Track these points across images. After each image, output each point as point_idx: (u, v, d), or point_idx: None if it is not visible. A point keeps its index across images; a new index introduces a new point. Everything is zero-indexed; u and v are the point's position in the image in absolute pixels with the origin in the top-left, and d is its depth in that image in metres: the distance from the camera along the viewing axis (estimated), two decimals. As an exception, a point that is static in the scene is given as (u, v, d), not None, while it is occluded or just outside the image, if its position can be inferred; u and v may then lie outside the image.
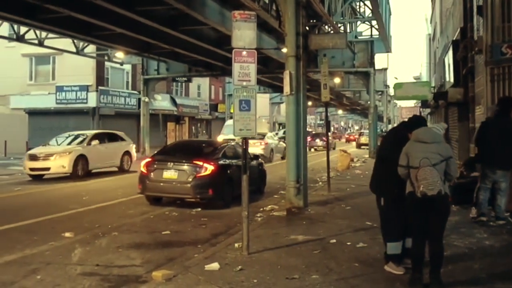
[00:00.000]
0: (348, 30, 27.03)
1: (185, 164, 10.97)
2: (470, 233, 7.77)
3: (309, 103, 57.24)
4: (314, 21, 21.01)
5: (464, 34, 14.56)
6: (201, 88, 48.53)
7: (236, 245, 7.12)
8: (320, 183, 16.15)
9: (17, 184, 16.10)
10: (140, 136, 32.43)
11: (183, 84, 43.34)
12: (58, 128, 33.08)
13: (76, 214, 10.45)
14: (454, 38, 15.99)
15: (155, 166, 11.13)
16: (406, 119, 6.38)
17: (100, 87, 34.05)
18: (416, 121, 5.61)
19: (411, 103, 59.29)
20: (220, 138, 24.83)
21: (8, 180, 17.63)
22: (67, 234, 8.25)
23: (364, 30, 29.35)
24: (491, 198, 8.68)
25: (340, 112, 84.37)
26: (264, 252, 6.88)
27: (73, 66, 32.36)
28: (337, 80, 34.83)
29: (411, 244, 5.32)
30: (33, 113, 34.27)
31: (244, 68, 6.77)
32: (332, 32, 17.76)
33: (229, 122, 30.87)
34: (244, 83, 6.78)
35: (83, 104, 33.76)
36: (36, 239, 8.03)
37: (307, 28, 16.75)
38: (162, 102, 39.26)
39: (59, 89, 34.25)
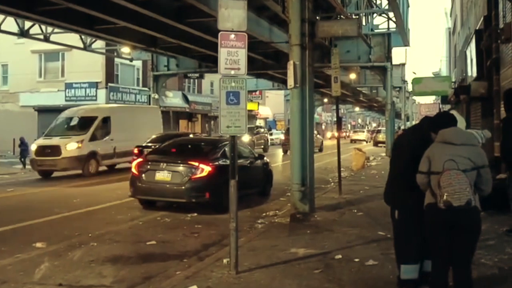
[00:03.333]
0: (364, 23, 25.78)
1: (179, 164, 10.01)
2: (501, 247, 6.64)
3: (325, 100, 56.25)
4: (326, 13, 19.90)
5: (488, 23, 13.34)
6: (214, 85, 47.53)
7: (225, 261, 6.11)
8: (332, 184, 15.05)
9: (14, 184, 15.34)
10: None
11: (196, 81, 42.55)
12: (67, 126, 32.63)
13: (60, 220, 9.56)
14: (477, 28, 14.73)
15: (147, 166, 10.18)
16: (428, 115, 5.26)
17: (109, 84, 33.36)
18: (444, 118, 4.44)
19: (430, 99, 57.72)
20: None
21: (8, 180, 16.91)
22: (39, 245, 7.34)
23: (381, 23, 28.07)
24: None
25: (357, 109, 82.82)
26: (256, 270, 5.86)
27: (82, 62, 31.72)
28: (352, 75, 33.59)
29: (431, 269, 4.26)
30: (42, 110, 33.69)
31: (232, 54, 5.75)
32: (334, 16, 16.48)
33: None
34: (232, 72, 5.77)
35: (92, 101, 33.00)
36: (3, 250, 7.13)
37: (317, 17, 15.70)
38: (173, 99, 38.48)
39: (68, 86, 33.66)
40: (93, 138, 18.41)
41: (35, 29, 23.26)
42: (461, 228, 3.92)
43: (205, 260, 6.52)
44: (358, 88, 46.31)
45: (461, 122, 4.73)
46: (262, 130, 41.20)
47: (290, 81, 9.16)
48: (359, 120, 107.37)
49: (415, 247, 4.44)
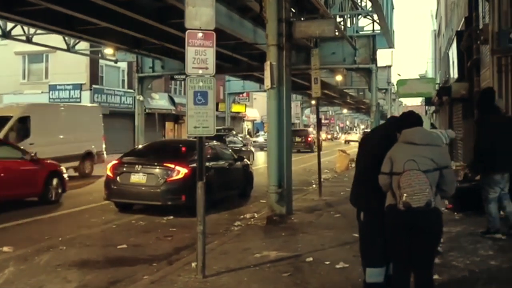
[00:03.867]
0: (349, 25, 25.75)
1: (155, 167, 9.84)
2: (474, 249, 6.57)
3: (313, 101, 56.24)
4: (311, 15, 19.80)
5: (469, 24, 13.35)
6: (201, 87, 47.44)
7: (193, 264, 5.95)
8: (314, 185, 14.94)
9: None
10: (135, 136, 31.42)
11: (182, 82, 42.14)
12: (51, 128, 32.24)
13: (32, 223, 9.34)
14: (459, 29, 14.73)
15: (122, 169, 10.00)
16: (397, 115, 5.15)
17: (94, 86, 33.06)
18: (409, 118, 4.30)
19: (417, 101, 57.99)
20: None
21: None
22: (5, 249, 7.13)
23: (366, 24, 28.03)
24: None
25: (345, 111, 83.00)
26: (224, 274, 5.73)
27: (66, 64, 31.38)
28: (339, 77, 33.57)
29: (392, 271, 4.15)
30: (25, 112, 33.28)
31: (200, 53, 5.62)
32: (319, 18, 16.36)
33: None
34: (200, 71, 5.64)
35: (76, 103, 32.73)
36: (-31, 255, 6.93)
37: (302, 18, 15.56)
38: (159, 101, 38.21)
39: (52, 88, 33.28)
40: None
41: (18, 30, 22.98)
42: (420, 230, 3.82)
43: (174, 264, 6.39)
44: (345, 90, 46.34)
45: (426, 124, 4.65)
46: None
47: (267, 82, 9.05)
48: (347, 122, 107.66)
49: (381, 250, 4.32)
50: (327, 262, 6.08)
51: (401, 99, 54.80)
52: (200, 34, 5.62)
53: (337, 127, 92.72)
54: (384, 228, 4.03)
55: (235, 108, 50.30)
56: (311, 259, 6.26)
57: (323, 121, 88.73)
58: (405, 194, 3.66)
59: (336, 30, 22.06)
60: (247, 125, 53.98)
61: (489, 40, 9.61)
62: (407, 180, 3.66)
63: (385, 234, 4.04)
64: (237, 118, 53.48)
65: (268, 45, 9.33)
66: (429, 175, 3.74)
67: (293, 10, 20.00)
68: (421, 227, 3.80)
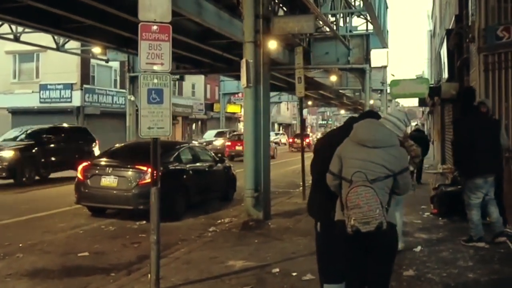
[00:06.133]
0: (341, 24, 25.33)
1: (127, 169, 9.41)
2: (453, 259, 6.14)
3: (309, 102, 55.82)
4: (304, 14, 19.36)
5: (459, 22, 12.92)
6: (196, 87, 47.04)
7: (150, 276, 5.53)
8: (301, 188, 14.50)
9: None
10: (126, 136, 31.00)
11: (176, 83, 41.83)
12: (41, 128, 31.84)
13: (-3, 227, 8.92)
14: (450, 27, 14.32)
15: (92, 171, 9.57)
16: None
17: (85, 86, 32.66)
18: (365, 115, 3.97)
19: (414, 102, 57.51)
20: None
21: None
22: (-42, 256, 6.72)
23: (360, 24, 27.64)
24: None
25: (342, 112, 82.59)
26: (181, 287, 5.30)
27: (57, 64, 30.99)
28: (333, 78, 33.20)
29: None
30: (16, 112, 32.88)
31: (155, 48, 5.19)
32: (298, 14, 15.84)
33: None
34: (155, 67, 5.21)
35: (67, 103, 32.38)
36: None
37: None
38: (152, 101, 37.74)
39: (43, 87, 32.89)
40: None
41: (5, 29, 22.56)
42: (373, 250, 3.38)
43: (132, 275, 5.96)
44: (340, 91, 45.92)
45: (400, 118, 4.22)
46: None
47: (243, 80, 8.65)
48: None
49: (339, 265, 3.88)
50: (294, 274, 5.66)
51: (397, 100, 54.30)
52: (154, 27, 5.20)
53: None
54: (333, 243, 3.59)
55: (231, 108, 49.87)
56: (277, 270, 5.84)
57: (320, 122, 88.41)
58: (353, 218, 3.20)
59: (327, 29, 21.72)
60: (242, 126, 53.45)
61: (475, 37, 9.19)
62: (354, 199, 3.20)
63: (335, 250, 3.61)
64: (233, 119, 53.04)
65: (244, 42, 8.94)
66: (380, 183, 3.28)
67: (285, 9, 19.73)
68: (374, 247, 3.36)
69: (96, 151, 17.87)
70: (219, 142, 32.09)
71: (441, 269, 5.70)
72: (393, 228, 3.41)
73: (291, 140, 44.53)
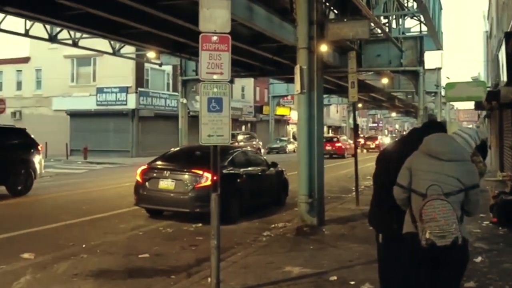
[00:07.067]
0: (394, 26, 24.93)
1: (183, 173, 9.65)
2: (516, 271, 5.98)
3: (360, 105, 55.14)
4: (353, 16, 19.19)
5: (520, 24, 12.50)
6: (245, 89, 47.45)
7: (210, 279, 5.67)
8: (354, 193, 14.38)
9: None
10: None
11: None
12: (98, 130, 32.99)
13: (61, 228, 9.32)
14: (509, 30, 13.85)
15: (151, 174, 9.87)
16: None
17: (139, 89, 33.59)
18: (432, 127, 3.81)
19: (470, 105, 55.80)
20: None
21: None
22: (26, 256, 7.06)
23: (413, 26, 27.09)
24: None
25: (393, 114, 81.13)
26: (239, 292, 5.42)
27: (113, 67, 32.05)
28: (385, 80, 32.73)
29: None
30: (74, 114, 34.26)
31: (215, 58, 5.33)
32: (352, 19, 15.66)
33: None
34: (215, 77, 5.36)
35: (122, 105, 33.40)
36: (-9, 260, 6.90)
37: (345, 20, 15.01)
38: (203, 104, 38.35)
39: (100, 90, 34.07)
40: None
41: (64, 34, 23.53)
42: (444, 264, 3.34)
43: (191, 278, 6.12)
44: (392, 93, 45.15)
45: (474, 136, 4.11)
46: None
47: (297, 87, 8.69)
48: (397, 126, 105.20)
49: (400, 277, 3.87)
50: (352, 282, 5.66)
51: (452, 103, 52.76)
52: (214, 38, 5.34)
53: (386, 131, 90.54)
54: (402, 257, 3.57)
55: (280, 111, 49.95)
56: (335, 278, 5.86)
57: (371, 124, 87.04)
58: (428, 231, 3.15)
59: (381, 32, 21.43)
60: (291, 128, 53.48)
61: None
62: (430, 213, 3.15)
63: (403, 261, 3.59)
64: (282, 121, 53.11)
65: (298, 48, 8.98)
66: (453, 197, 3.24)
67: (336, 12, 19.61)
68: (447, 261, 3.33)
69: (38, 159, 14.26)
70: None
71: (503, 281, 5.56)
72: (467, 244, 3.37)
73: (362, 141, 47.55)
